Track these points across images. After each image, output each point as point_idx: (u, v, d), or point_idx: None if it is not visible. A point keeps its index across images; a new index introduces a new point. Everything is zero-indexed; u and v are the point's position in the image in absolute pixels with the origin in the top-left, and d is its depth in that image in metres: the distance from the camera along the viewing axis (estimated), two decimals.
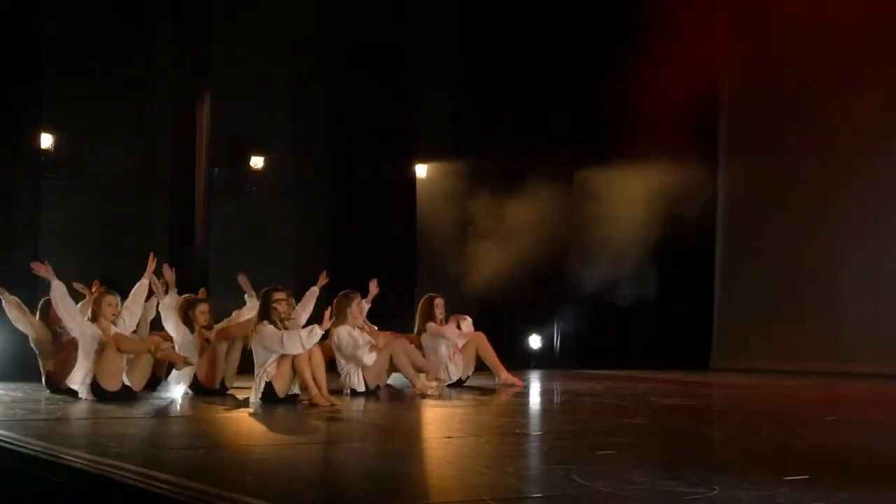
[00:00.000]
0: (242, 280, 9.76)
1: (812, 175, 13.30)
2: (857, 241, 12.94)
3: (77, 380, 8.62)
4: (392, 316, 10.98)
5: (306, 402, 8.17)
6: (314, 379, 8.17)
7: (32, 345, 9.41)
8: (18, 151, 11.84)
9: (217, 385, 9.30)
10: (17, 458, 5.34)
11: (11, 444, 5.57)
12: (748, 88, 13.99)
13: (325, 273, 9.83)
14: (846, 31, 12.63)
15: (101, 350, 8.54)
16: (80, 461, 4.93)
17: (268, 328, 8.37)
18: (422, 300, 10.64)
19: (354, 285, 10.03)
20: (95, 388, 8.50)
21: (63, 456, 5.10)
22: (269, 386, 8.32)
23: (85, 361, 8.59)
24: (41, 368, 9.46)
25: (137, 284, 9.09)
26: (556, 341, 14.56)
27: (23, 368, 10.12)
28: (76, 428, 6.73)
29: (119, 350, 8.52)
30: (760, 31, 13.69)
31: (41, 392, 9.32)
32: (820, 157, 13.19)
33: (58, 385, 9.10)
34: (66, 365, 8.91)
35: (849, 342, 12.74)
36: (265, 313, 8.44)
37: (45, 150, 12.08)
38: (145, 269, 9.19)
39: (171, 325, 9.29)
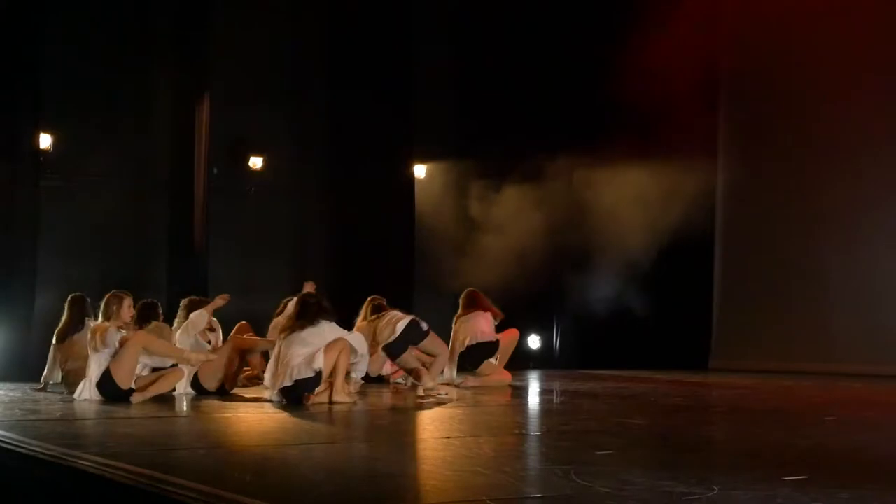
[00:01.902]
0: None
1: (812, 176, 13.29)
2: (856, 243, 12.93)
3: (88, 383, 8.58)
4: None
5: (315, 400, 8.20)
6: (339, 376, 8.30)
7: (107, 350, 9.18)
8: (18, 151, 11.85)
9: (217, 386, 9.31)
10: (16, 458, 5.33)
11: (10, 444, 5.57)
12: (747, 91, 14.00)
13: (311, 283, 9.93)
14: (846, 30, 12.62)
15: (118, 349, 8.55)
16: (78, 461, 4.93)
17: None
18: (467, 292, 10.69)
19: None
20: (106, 386, 8.46)
21: (62, 456, 5.10)
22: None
23: (98, 366, 8.55)
24: (59, 369, 9.46)
25: (198, 312, 9.23)
26: (556, 341, 14.56)
27: (23, 368, 10.13)
28: (75, 428, 6.73)
29: (148, 350, 8.57)
30: (760, 30, 13.68)
31: (40, 392, 9.34)
32: (820, 157, 13.19)
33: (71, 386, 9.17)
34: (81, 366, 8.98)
35: (848, 343, 12.74)
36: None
37: (45, 150, 12.10)
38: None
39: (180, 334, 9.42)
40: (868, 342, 12.52)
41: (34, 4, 11.96)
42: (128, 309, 8.79)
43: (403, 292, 12.63)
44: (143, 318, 9.28)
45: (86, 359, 8.91)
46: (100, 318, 8.76)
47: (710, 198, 13.95)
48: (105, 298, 8.83)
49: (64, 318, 9.54)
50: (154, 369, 8.90)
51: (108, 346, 8.50)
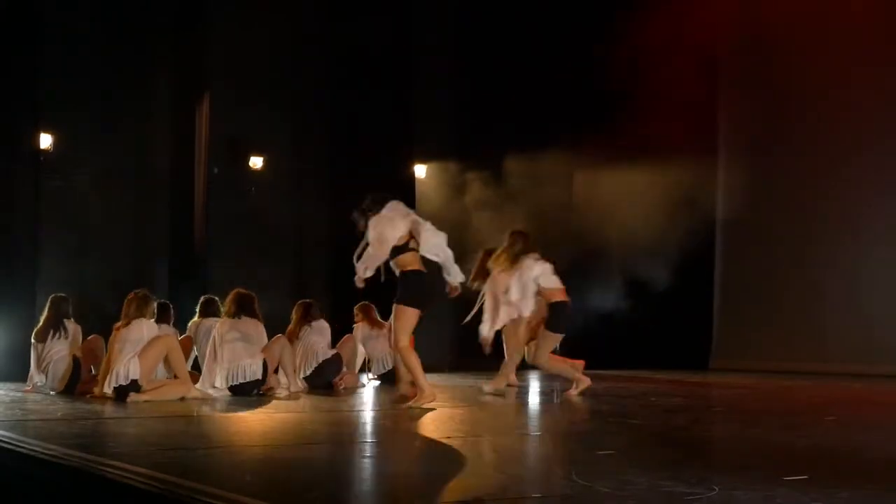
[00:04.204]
0: None
1: (812, 176, 13.30)
2: (857, 243, 12.94)
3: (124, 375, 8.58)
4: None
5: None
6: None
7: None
8: (18, 151, 11.85)
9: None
10: (16, 458, 5.33)
11: (10, 444, 5.57)
12: (747, 91, 14.00)
13: None
14: (847, 26, 12.63)
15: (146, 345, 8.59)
16: (79, 461, 4.93)
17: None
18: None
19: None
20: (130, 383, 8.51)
21: (62, 456, 5.10)
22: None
23: (132, 359, 8.58)
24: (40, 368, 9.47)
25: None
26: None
27: (23, 368, 10.12)
28: (75, 428, 6.73)
29: (168, 358, 8.63)
30: (761, 29, 13.68)
31: (40, 392, 9.33)
32: (820, 158, 13.19)
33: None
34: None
35: (847, 343, 12.75)
36: None
37: (44, 150, 12.10)
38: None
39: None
40: (868, 342, 12.53)
41: (34, 4, 11.96)
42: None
43: None
44: (157, 320, 9.25)
45: (66, 356, 9.00)
46: (152, 315, 8.76)
47: (710, 197, 13.96)
48: (141, 296, 8.80)
49: (43, 317, 9.50)
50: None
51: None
